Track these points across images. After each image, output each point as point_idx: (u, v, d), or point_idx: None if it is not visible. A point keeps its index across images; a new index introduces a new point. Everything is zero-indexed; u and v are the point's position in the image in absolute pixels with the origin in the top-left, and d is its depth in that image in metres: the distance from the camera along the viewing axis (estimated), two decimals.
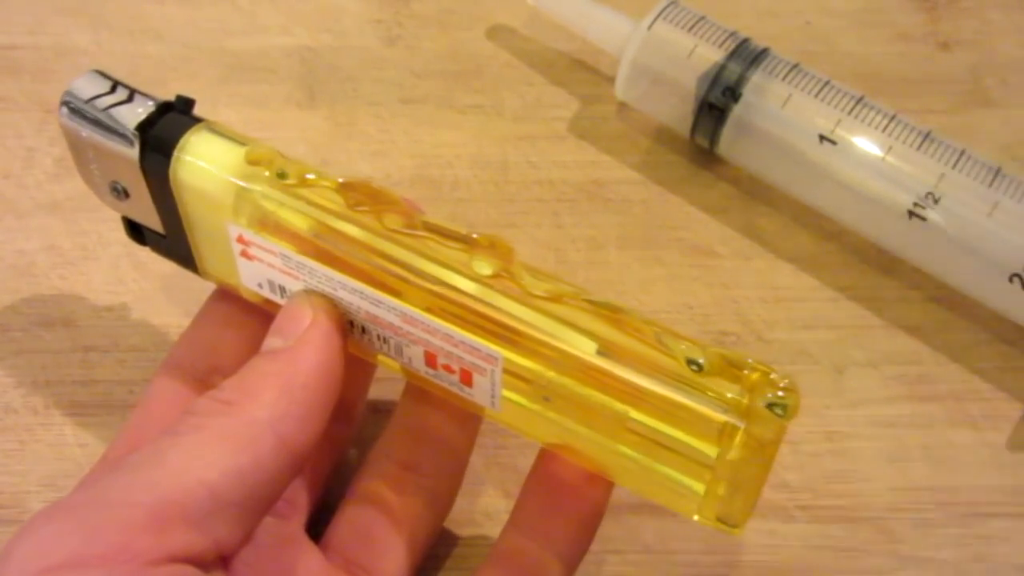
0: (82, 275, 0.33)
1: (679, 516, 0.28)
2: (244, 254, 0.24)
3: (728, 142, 0.33)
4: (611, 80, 0.35)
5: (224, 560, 0.21)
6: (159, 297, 0.32)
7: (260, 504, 0.21)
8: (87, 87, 0.24)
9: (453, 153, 0.35)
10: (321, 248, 0.23)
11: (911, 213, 0.30)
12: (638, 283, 0.33)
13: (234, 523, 0.20)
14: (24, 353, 0.31)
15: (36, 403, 0.30)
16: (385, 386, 0.29)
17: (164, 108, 0.24)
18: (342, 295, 0.23)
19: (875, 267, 0.33)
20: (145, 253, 0.33)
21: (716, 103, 0.32)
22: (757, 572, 0.28)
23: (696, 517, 0.22)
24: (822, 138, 0.31)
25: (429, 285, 0.22)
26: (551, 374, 0.22)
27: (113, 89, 0.24)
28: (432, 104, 0.37)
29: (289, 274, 0.23)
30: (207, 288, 0.32)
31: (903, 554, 0.28)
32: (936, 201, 0.30)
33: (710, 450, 0.21)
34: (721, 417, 0.20)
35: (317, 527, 0.26)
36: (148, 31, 0.38)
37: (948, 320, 0.32)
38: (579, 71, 0.38)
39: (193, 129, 0.23)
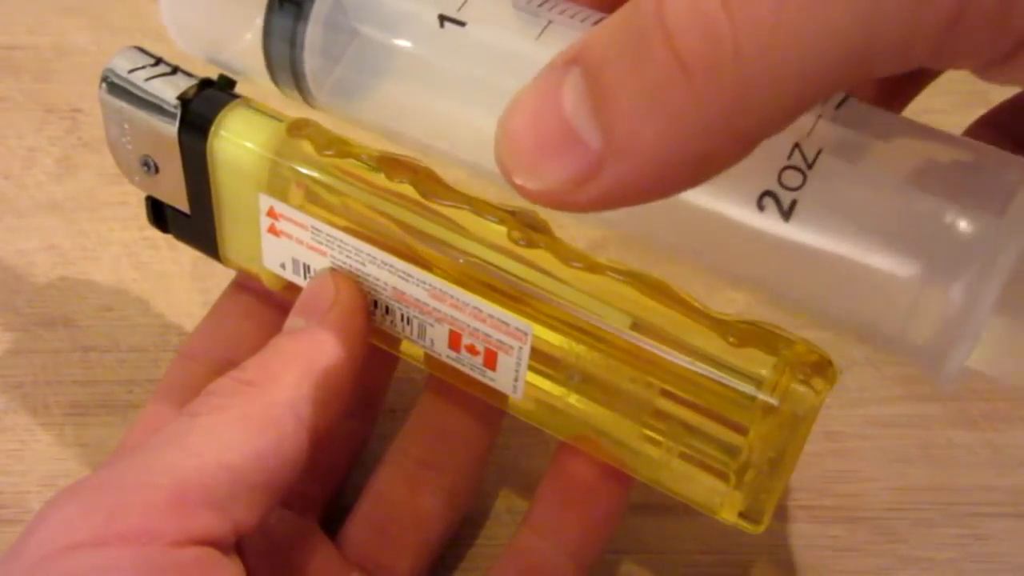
0: (82, 275, 0.33)
1: (679, 516, 0.28)
2: (272, 230, 0.24)
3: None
4: None
5: (238, 544, 0.21)
6: (159, 297, 0.32)
7: (278, 487, 0.21)
8: (127, 61, 0.24)
9: None
10: (354, 220, 0.23)
11: None
12: None
13: (252, 506, 0.20)
14: (24, 353, 0.31)
15: (36, 403, 0.30)
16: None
17: (205, 84, 0.24)
18: (370, 270, 0.23)
19: None
20: (145, 253, 0.33)
21: None
22: (757, 572, 0.28)
23: (720, 512, 0.22)
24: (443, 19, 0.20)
25: (463, 257, 0.22)
26: (580, 348, 0.22)
27: (156, 63, 0.24)
28: None
29: (316, 250, 0.23)
30: (208, 288, 0.33)
31: (903, 554, 0.28)
32: None
33: (738, 438, 0.21)
34: (754, 396, 0.20)
35: (334, 524, 0.26)
36: (148, 31, 0.38)
37: None
38: None
39: (232, 104, 0.24)
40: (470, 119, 0.20)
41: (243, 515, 0.20)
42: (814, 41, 0.13)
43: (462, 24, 0.20)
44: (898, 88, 0.23)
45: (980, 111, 0.37)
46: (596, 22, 0.20)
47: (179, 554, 0.19)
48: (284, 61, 0.21)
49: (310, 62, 0.21)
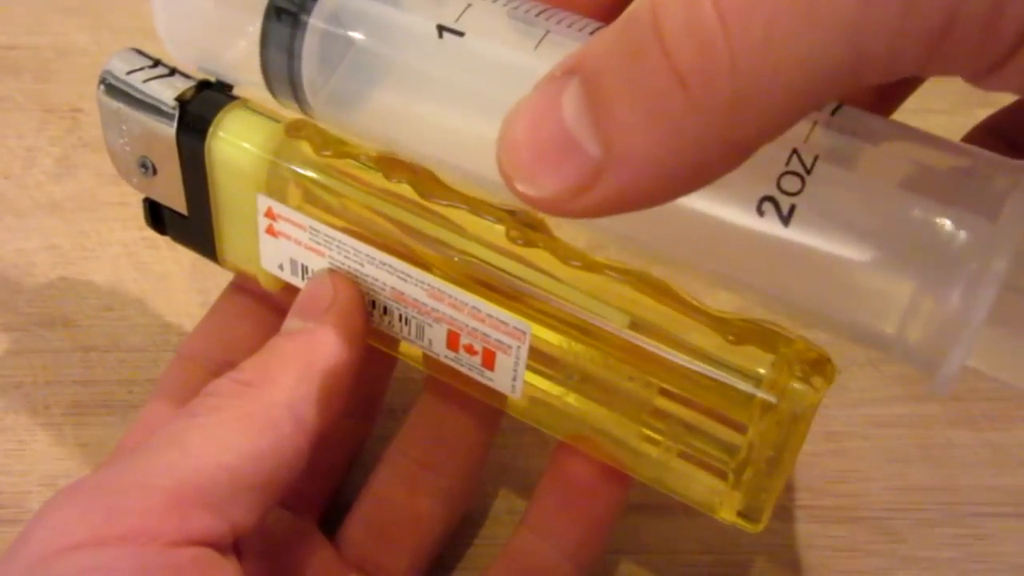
0: (82, 275, 0.33)
1: (679, 516, 0.28)
2: (270, 230, 0.24)
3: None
4: None
5: (235, 545, 0.21)
6: (159, 297, 0.32)
7: (276, 488, 0.21)
8: (125, 63, 0.24)
9: None
10: (352, 220, 0.23)
11: None
12: None
13: (250, 507, 0.20)
14: (24, 353, 0.31)
15: (36, 403, 0.30)
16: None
17: (203, 85, 0.24)
18: (368, 270, 0.23)
19: None
20: (145, 253, 0.33)
21: None
22: (757, 572, 0.28)
23: (719, 511, 0.22)
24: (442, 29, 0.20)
25: (461, 257, 0.22)
26: (579, 347, 0.22)
27: (154, 65, 0.24)
28: None
29: (314, 250, 0.23)
30: (207, 288, 0.33)
31: (903, 554, 0.28)
32: None
33: (737, 436, 0.21)
34: (753, 394, 0.20)
35: (332, 524, 0.26)
36: (148, 31, 0.38)
37: None
38: None
39: (230, 105, 0.24)
40: (468, 128, 0.20)
41: (241, 516, 0.20)
42: (804, 57, 0.13)
43: (460, 34, 0.20)
44: (891, 90, 0.23)
45: (980, 111, 0.37)
46: (593, 31, 0.20)
47: (177, 555, 0.19)
48: (281, 71, 0.21)
49: (307, 72, 0.21)
